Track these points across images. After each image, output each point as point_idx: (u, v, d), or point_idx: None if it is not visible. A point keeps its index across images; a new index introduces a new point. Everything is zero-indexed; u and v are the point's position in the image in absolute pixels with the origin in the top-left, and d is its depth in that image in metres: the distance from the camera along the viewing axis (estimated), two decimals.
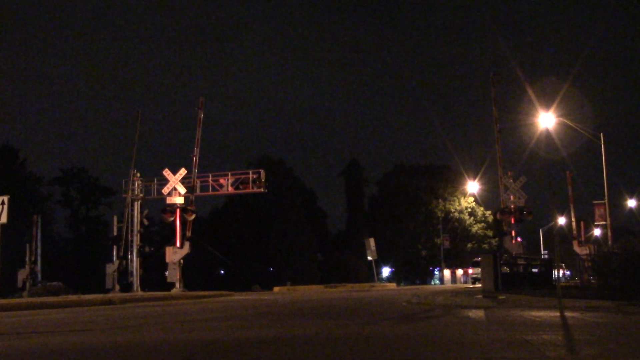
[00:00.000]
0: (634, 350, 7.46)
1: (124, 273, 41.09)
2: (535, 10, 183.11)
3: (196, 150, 40.36)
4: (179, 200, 39.57)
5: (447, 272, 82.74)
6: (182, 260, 39.23)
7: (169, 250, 39.33)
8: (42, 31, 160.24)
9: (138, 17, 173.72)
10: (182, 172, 39.95)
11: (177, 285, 38.47)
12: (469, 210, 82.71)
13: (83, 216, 77.07)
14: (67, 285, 42.87)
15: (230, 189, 42.48)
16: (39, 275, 42.48)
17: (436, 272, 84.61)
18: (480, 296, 21.38)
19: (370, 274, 63.11)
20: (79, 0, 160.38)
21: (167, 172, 40.14)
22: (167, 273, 39.68)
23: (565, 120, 34.30)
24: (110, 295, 31.16)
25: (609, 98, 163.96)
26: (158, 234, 69.84)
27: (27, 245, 41.80)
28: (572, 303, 14.68)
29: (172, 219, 39.81)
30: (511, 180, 41.39)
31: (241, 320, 13.13)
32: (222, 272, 76.41)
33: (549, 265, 33.33)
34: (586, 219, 55.46)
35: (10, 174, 62.39)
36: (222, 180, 42.20)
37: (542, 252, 69.52)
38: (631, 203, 61.00)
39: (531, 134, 39.22)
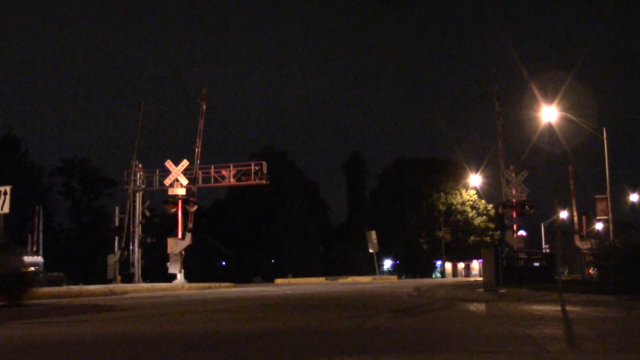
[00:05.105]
0: (634, 344, 7.46)
1: (125, 264, 41.17)
2: (537, 4, 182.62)
3: (198, 142, 40.33)
4: (181, 191, 39.56)
5: (448, 265, 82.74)
6: (183, 252, 39.27)
7: (170, 241, 39.37)
8: (43, 21, 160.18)
9: (141, 7, 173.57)
10: (184, 163, 39.95)
11: (179, 276, 38.53)
12: (471, 203, 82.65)
13: (85, 207, 77.18)
14: (68, 276, 42.94)
15: (232, 180, 42.52)
16: (41, 266, 42.58)
17: (438, 265, 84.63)
18: (481, 290, 21.38)
19: (371, 266, 63.14)
20: None
21: (169, 164, 40.15)
22: (168, 264, 39.75)
23: (568, 115, 34.23)
24: (111, 286, 31.22)
25: (612, 92, 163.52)
26: (160, 225, 69.94)
27: (29, 235, 41.85)
28: (573, 297, 14.68)
29: (173, 210, 39.83)
30: (513, 174, 41.37)
31: (243, 312, 13.14)
32: (224, 263, 76.52)
33: (551, 260, 33.30)
34: (588, 214, 55.38)
35: (13, 164, 62.48)
36: (224, 172, 42.24)
37: (544, 246, 69.45)
38: (633, 197, 60.86)
39: (533, 128, 39.13)
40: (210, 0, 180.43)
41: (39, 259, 17.31)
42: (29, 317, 12.75)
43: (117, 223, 42.42)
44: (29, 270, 17.57)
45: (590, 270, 31.65)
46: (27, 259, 17.81)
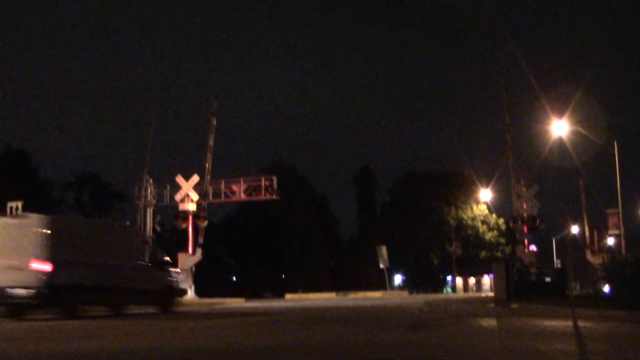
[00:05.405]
0: None
1: None
2: (548, 18, 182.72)
3: (208, 157, 40.42)
4: (192, 206, 39.63)
5: (459, 280, 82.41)
6: (194, 267, 39.26)
7: (181, 256, 39.36)
8: (54, 36, 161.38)
9: (150, 22, 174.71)
10: (195, 178, 40.04)
11: (189, 292, 38.52)
12: (482, 217, 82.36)
13: None
14: None
15: (242, 195, 42.55)
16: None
17: (448, 280, 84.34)
18: (492, 305, 21.31)
19: (382, 281, 62.97)
20: (91, 6, 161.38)
21: (179, 179, 40.25)
22: None
23: (579, 129, 34.10)
24: None
25: (623, 105, 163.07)
26: (170, 240, 69.98)
27: None
28: (585, 312, 14.60)
29: (184, 225, 39.88)
30: (524, 189, 41.22)
31: (253, 327, 13.14)
32: (234, 278, 76.49)
33: (562, 275, 33.13)
34: (599, 228, 55.11)
35: (24, 179, 62.71)
36: (234, 187, 42.27)
37: (555, 261, 69.09)
38: None
39: (544, 142, 39.00)
40: (218, 14, 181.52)
41: (180, 274, 22.95)
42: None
43: None
44: (176, 284, 22.04)
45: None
46: (174, 274, 22.32)
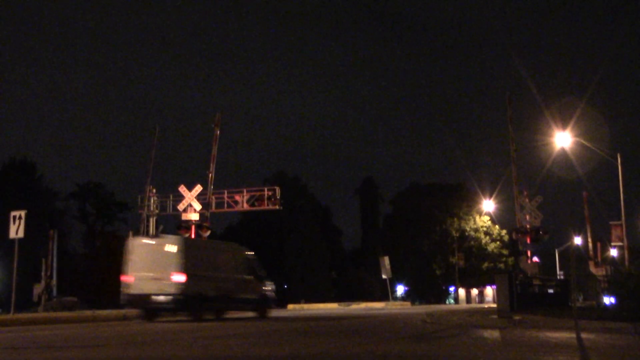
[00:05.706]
0: None
1: None
2: (551, 30, 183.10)
3: (212, 167, 40.44)
4: (194, 216, 39.64)
5: (462, 292, 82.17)
6: None
7: None
8: (58, 47, 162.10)
9: (155, 34, 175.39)
10: (198, 188, 40.05)
11: None
12: (485, 229, 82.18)
13: (99, 231, 77.34)
14: (82, 300, 42.87)
15: (245, 205, 42.52)
16: (54, 290, 42.63)
17: (451, 291, 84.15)
18: (495, 316, 21.23)
19: (384, 292, 62.85)
20: (97, 17, 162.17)
21: (182, 189, 40.26)
22: None
23: (582, 141, 34.07)
24: (125, 310, 31.15)
25: (626, 117, 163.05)
26: None
27: (43, 259, 41.95)
28: (589, 324, 14.54)
29: (187, 235, 39.89)
30: (527, 200, 41.14)
31: (256, 338, 13.12)
32: None
33: (565, 286, 33.04)
34: (603, 240, 54.97)
35: (28, 189, 62.82)
36: (237, 197, 42.28)
37: (558, 272, 68.86)
38: None
39: (547, 153, 38.95)
40: (223, 27, 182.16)
41: (273, 285, 26.25)
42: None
43: None
44: (271, 294, 25.56)
45: None
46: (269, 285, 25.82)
